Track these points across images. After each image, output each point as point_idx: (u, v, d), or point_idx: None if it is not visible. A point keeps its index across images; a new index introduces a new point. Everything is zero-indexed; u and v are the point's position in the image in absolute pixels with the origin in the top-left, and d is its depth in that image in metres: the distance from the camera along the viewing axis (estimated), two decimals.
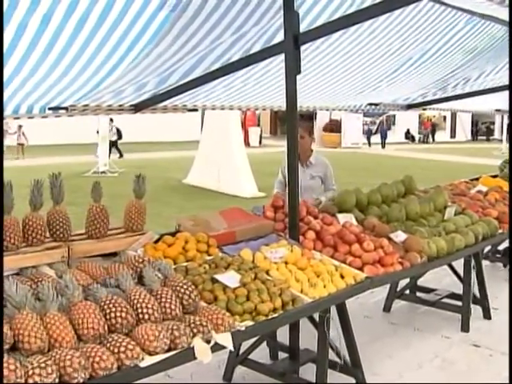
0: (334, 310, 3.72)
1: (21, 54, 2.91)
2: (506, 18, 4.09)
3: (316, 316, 3.67)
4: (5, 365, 2.10)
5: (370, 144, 36.26)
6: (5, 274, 2.87)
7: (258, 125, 39.15)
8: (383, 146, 35.54)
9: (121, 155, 24.44)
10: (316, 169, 5.45)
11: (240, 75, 4.49)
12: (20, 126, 25.54)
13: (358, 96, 6.13)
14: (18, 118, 4.10)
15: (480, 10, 4.19)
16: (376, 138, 37.06)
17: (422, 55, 5.07)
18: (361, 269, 3.78)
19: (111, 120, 23.21)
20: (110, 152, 23.35)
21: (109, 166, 19.49)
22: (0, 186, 2.91)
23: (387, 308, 5.72)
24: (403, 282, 5.61)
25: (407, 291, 5.82)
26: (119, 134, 24.87)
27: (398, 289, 5.71)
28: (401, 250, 4.19)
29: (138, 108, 4.62)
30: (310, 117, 39.49)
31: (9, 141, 24.89)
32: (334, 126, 36.52)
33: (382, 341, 4.98)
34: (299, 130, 5.13)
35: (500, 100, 7.63)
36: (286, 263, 3.58)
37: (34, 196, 3.22)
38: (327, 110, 7.41)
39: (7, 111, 3.75)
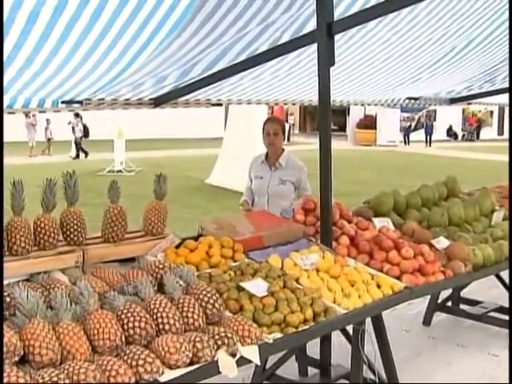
0: (369, 322, 3.70)
1: (32, 45, 2.94)
2: None
3: (350, 329, 3.66)
4: (13, 378, 2.11)
5: (406, 142, 35.97)
6: (14, 279, 2.92)
7: (287, 121, 39.15)
8: (429, 144, 35.22)
9: (86, 154, 24.61)
10: (287, 172, 5.17)
11: (268, 67, 4.49)
12: (48, 120, 26.01)
13: (396, 89, 6.09)
14: (28, 112, 4.18)
15: None
16: (415, 135, 36.75)
17: (467, 44, 5.02)
18: (399, 278, 3.74)
19: (76, 115, 23.37)
20: (78, 152, 23.72)
21: (125, 165, 19.66)
22: (0, 186, 2.94)
23: (427, 321, 5.67)
24: (445, 294, 5.56)
25: (449, 303, 5.76)
26: (86, 131, 25.02)
27: (440, 300, 5.66)
28: (443, 258, 4.15)
29: (157, 102, 4.66)
30: (342, 112, 39.47)
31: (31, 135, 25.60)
32: (368, 122, 36.35)
33: (421, 357, 4.94)
34: (271, 126, 5.18)
35: None
36: (318, 271, 3.56)
37: (47, 196, 3.24)
38: (362, 104, 7.37)
39: (17, 105, 3.81)
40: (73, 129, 24.92)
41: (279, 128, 5.23)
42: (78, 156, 24.45)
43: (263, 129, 5.22)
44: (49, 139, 26.37)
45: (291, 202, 4.97)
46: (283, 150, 5.27)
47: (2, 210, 2.95)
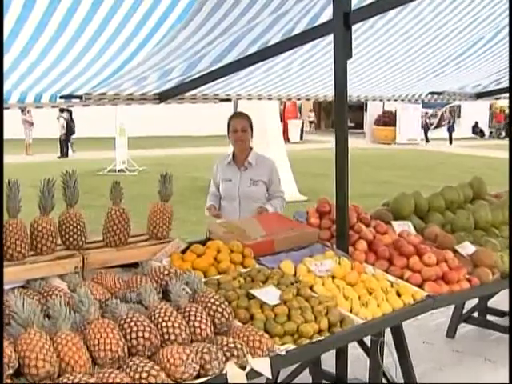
0: (388, 333, 3.69)
1: (28, 34, 2.93)
2: None
3: (367, 340, 3.65)
4: None
5: (428, 140, 35.87)
6: (10, 286, 2.93)
7: (300, 117, 39.15)
8: (450, 142, 35.10)
9: (64, 155, 24.68)
10: (258, 171, 5.09)
11: (280, 60, 4.50)
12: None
13: (418, 83, 6.08)
14: (24, 108, 4.19)
15: None
16: (437, 133, 36.62)
17: (497, 34, 4.99)
18: (421, 286, 3.73)
19: (61, 110, 23.43)
20: (67, 150, 23.75)
21: (127, 164, 19.72)
22: (0, 186, 2.96)
23: (451, 333, 5.64)
24: (471, 303, 5.53)
25: (475, 314, 5.73)
26: (69, 128, 25.05)
27: (465, 310, 5.63)
28: (468, 265, 4.13)
29: (162, 97, 4.68)
30: (359, 108, 39.40)
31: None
32: (387, 119, 36.28)
33: (444, 372, 4.93)
34: (239, 121, 5.07)
35: None
36: (333, 278, 3.57)
37: (44, 197, 3.26)
38: (380, 100, 7.37)
39: (12, 100, 3.82)
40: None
41: (247, 124, 5.09)
42: (62, 155, 24.54)
43: (229, 125, 5.10)
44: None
45: (263, 203, 4.98)
46: (251, 148, 5.17)
47: (1, 212, 2.97)
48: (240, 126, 5.05)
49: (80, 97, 4.18)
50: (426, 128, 36.76)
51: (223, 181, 5.15)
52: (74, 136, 25.65)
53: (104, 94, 4.30)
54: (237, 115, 5.28)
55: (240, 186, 5.06)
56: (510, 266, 4.18)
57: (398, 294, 3.57)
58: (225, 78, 4.49)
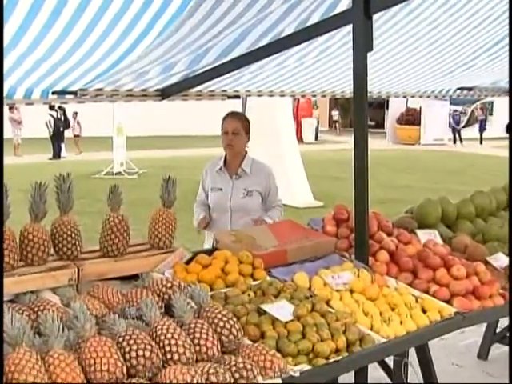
0: (412, 353, 3.68)
1: (18, 22, 2.93)
2: None
3: (390, 361, 3.64)
4: None
5: (457, 140, 35.76)
6: None
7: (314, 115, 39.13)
8: (481, 142, 34.98)
9: (57, 156, 24.80)
10: (253, 180, 4.94)
11: (293, 53, 4.51)
12: (75, 114, 26.31)
13: (445, 78, 6.07)
14: (13, 104, 4.19)
15: None
16: (467, 132, 36.49)
17: None
18: (448, 301, 3.72)
19: (51, 107, 23.50)
20: (59, 151, 23.84)
21: (126, 166, 19.79)
22: (0, 187, 2.96)
23: (483, 354, 5.61)
24: (505, 321, 5.50)
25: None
26: (56, 127, 25.30)
27: (498, 329, 5.60)
28: (502, 279, 4.11)
29: (165, 94, 4.69)
30: (380, 105, 39.37)
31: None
32: (411, 117, 36.23)
33: None
34: (230, 123, 4.85)
35: None
36: (352, 292, 3.56)
37: (36, 203, 3.27)
38: (403, 96, 7.36)
39: None
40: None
41: (240, 126, 4.88)
42: (54, 156, 24.68)
43: (221, 126, 4.94)
44: (76, 136, 26.75)
45: (258, 216, 4.85)
46: (246, 153, 5.00)
47: (1, 213, 2.97)
48: (231, 127, 4.86)
49: (74, 93, 4.20)
50: (454, 127, 36.64)
51: (213, 190, 5.00)
52: (67, 136, 25.84)
53: (101, 89, 4.32)
54: (229, 115, 4.99)
55: (232, 196, 4.91)
56: (510, 266, 4.15)
57: (424, 311, 3.55)
58: (233, 73, 4.51)
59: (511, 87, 5.64)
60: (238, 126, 4.86)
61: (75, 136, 26.88)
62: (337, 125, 42.42)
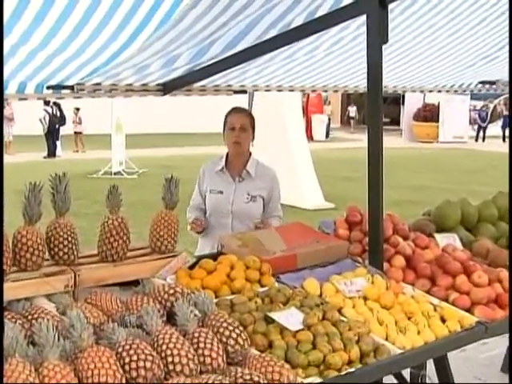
0: (431, 365, 3.67)
1: (10, 10, 2.87)
2: None
3: (406, 373, 3.64)
4: None
5: (478, 137, 35.68)
6: None
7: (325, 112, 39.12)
8: (504, 140, 34.89)
9: (52, 154, 24.88)
10: (257, 184, 4.86)
11: (304, 45, 4.50)
12: (77, 109, 26.42)
13: (466, 71, 6.06)
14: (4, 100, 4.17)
15: None
16: (489, 129, 36.39)
17: None
18: (469, 310, 3.71)
19: (46, 103, 23.59)
20: (54, 149, 23.89)
21: (125, 165, 19.82)
22: (0, 188, 2.97)
23: (507, 367, 5.59)
24: None
25: None
26: (51, 123, 25.41)
27: None
28: None
29: (167, 89, 4.70)
30: (396, 101, 39.30)
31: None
32: (428, 113, 36.19)
33: None
34: (237, 118, 4.77)
35: None
36: (366, 299, 3.56)
37: (30, 204, 3.27)
38: (421, 91, 7.34)
39: None
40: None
41: (248, 122, 4.82)
42: (49, 154, 24.80)
43: (225, 121, 4.85)
44: (77, 133, 26.85)
45: (256, 221, 4.75)
46: (250, 153, 4.92)
47: (1, 215, 2.98)
48: (238, 123, 4.78)
49: (71, 87, 4.20)
50: (479, 124, 36.52)
51: (212, 192, 4.88)
52: (63, 133, 25.92)
53: (99, 83, 4.32)
54: (235, 110, 4.92)
55: (234, 200, 4.82)
56: (510, 267, 4.14)
57: (443, 320, 3.55)
58: (239, 67, 4.51)
59: (511, 85, 5.63)
60: (245, 122, 4.79)
61: (76, 133, 26.90)
62: (352, 122, 42.02)
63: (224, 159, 4.91)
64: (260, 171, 4.89)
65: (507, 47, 5.42)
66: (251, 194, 4.81)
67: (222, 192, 4.83)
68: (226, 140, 4.86)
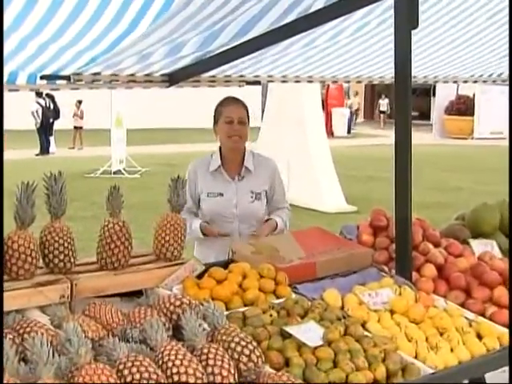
0: None
1: None
2: None
3: None
4: None
5: None
6: None
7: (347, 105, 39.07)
8: None
9: (45, 151, 24.99)
10: (259, 179, 4.79)
11: (324, 31, 4.50)
12: (79, 102, 26.63)
13: (505, 59, 6.03)
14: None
15: None
16: None
17: None
18: (509, 326, 3.71)
19: (38, 94, 23.73)
20: (47, 146, 23.94)
21: (126, 164, 19.85)
22: (0, 188, 2.99)
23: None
24: None
25: None
26: (44, 117, 25.56)
27: None
28: None
29: (172, 79, 4.70)
30: (426, 92, 39.16)
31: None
32: (462, 106, 36.08)
33: None
34: (234, 110, 4.66)
35: None
36: (393, 312, 3.55)
37: (22, 207, 3.28)
38: (454, 81, 7.32)
39: None
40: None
41: (245, 114, 4.73)
42: (42, 151, 24.96)
43: (218, 113, 4.76)
44: (77, 128, 27.04)
45: (263, 221, 4.73)
46: (245, 147, 4.82)
47: (1, 215, 3.00)
48: (237, 115, 4.67)
49: (67, 77, 4.21)
50: None
51: (209, 195, 4.75)
52: (57, 127, 26.03)
53: (98, 73, 4.33)
54: (231, 100, 4.78)
55: (238, 202, 4.72)
56: (510, 268, 4.12)
57: (479, 337, 3.54)
58: (253, 55, 4.50)
59: (511, 83, 5.62)
60: (243, 115, 4.70)
61: (76, 128, 26.98)
62: (382, 116, 41.14)
63: (218, 157, 4.82)
64: (258, 164, 4.81)
65: None
66: (255, 192, 4.74)
67: (221, 194, 4.73)
68: (219, 134, 4.77)
